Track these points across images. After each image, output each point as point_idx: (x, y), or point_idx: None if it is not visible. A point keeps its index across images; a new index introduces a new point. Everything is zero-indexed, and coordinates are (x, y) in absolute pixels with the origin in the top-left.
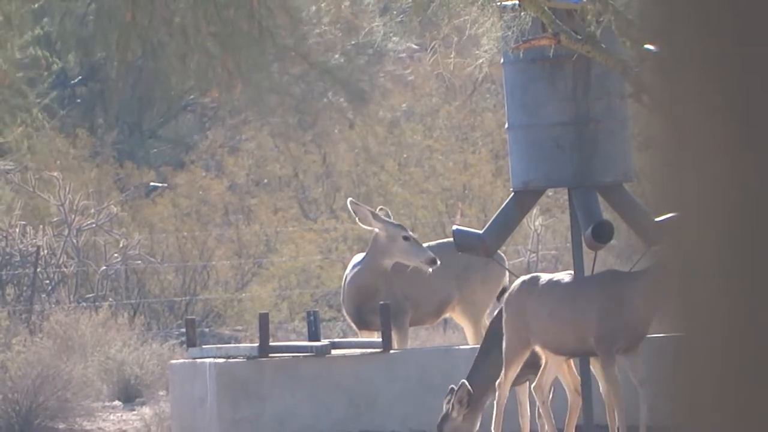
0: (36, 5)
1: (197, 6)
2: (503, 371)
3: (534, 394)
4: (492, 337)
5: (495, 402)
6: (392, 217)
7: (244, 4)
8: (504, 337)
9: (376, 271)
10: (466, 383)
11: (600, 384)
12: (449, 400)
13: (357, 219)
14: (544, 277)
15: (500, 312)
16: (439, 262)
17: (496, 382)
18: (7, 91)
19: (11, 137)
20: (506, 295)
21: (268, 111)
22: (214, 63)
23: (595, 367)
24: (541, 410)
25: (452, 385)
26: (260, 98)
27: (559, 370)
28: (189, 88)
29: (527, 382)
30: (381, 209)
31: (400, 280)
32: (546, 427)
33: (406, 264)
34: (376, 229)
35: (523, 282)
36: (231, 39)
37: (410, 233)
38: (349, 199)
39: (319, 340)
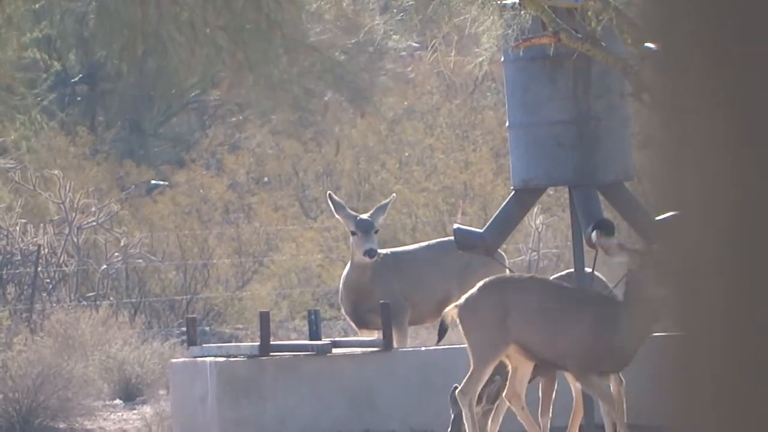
0: (36, 5)
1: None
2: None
3: (510, 403)
4: None
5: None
6: (387, 207)
7: None
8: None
9: (357, 267)
10: (501, 380)
11: (611, 384)
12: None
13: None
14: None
15: None
16: (375, 254)
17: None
18: (5, 92)
19: (10, 139)
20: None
21: (270, 108)
22: (222, 56)
23: None
24: (521, 417)
25: (456, 384)
26: (273, 90)
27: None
28: (192, 84)
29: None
30: (393, 195)
31: (399, 279)
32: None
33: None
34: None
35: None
36: (239, 32)
37: (364, 222)
38: (329, 192)
39: (320, 339)
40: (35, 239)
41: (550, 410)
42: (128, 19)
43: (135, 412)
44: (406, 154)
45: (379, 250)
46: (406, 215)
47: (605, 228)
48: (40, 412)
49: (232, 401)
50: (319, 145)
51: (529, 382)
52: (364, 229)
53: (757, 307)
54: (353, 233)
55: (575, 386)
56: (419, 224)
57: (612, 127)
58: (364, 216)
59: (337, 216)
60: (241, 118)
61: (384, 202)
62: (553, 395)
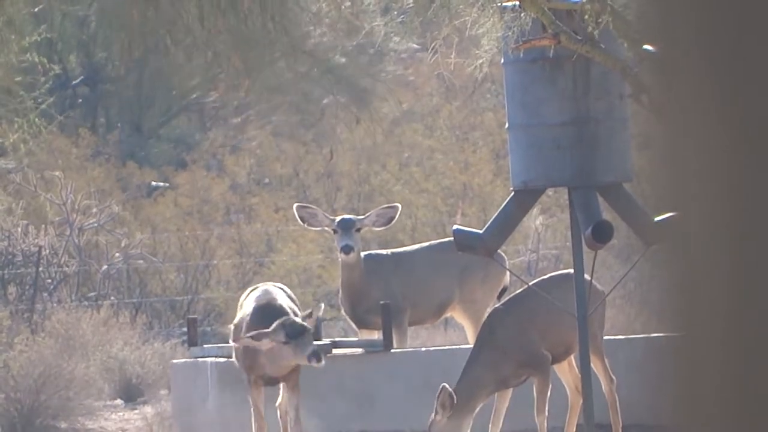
0: (36, 9)
1: (206, 2)
2: None
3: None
4: (482, 339)
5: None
6: (387, 214)
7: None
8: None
9: (343, 266)
10: (447, 387)
11: (602, 383)
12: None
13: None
14: None
15: (492, 313)
16: (350, 250)
17: None
18: (5, 96)
19: (8, 142)
20: None
21: (271, 110)
22: (219, 61)
23: (596, 366)
24: None
25: (444, 384)
26: (273, 93)
27: (557, 368)
28: (193, 86)
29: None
30: (398, 206)
31: (399, 280)
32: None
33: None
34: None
35: None
36: (243, 35)
37: (344, 220)
38: (295, 205)
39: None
40: (36, 240)
41: (546, 409)
42: (128, 21)
43: (136, 412)
44: (406, 155)
45: (381, 251)
46: (405, 216)
47: (605, 229)
48: (41, 412)
49: (232, 402)
50: (320, 147)
51: (523, 381)
52: (344, 227)
53: (757, 307)
54: (335, 231)
55: (569, 385)
56: (419, 225)
57: (611, 128)
58: (349, 216)
59: (321, 227)
60: (241, 119)
61: (389, 208)
62: (548, 394)
